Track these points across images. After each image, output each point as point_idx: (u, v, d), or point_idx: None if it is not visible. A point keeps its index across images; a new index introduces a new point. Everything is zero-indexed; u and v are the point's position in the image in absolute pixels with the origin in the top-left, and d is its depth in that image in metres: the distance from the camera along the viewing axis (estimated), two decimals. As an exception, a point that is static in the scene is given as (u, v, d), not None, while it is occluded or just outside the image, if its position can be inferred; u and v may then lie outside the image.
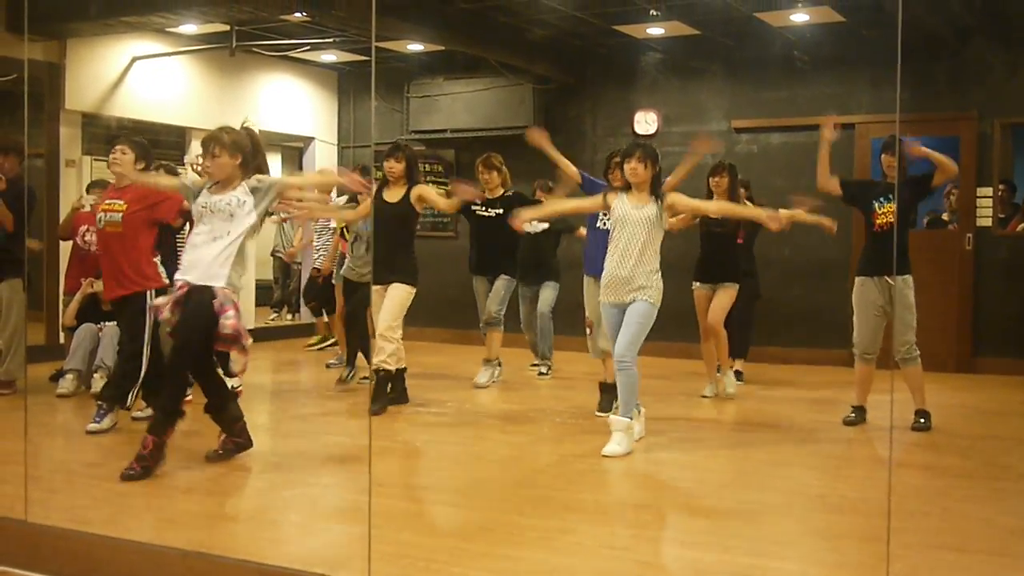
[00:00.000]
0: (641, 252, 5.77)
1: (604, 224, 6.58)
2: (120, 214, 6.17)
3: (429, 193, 7.26)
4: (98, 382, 7.28)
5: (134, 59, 9.89)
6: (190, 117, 10.51)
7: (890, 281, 6.47)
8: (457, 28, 9.45)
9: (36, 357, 8.54)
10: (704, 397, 7.61)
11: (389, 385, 7.03)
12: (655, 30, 9.85)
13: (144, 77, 10.00)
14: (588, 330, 7.10)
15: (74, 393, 7.32)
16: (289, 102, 11.73)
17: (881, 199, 6.67)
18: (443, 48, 10.50)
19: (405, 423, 6.79)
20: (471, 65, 10.83)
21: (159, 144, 10.29)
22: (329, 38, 10.17)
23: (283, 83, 11.64)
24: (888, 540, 3.71)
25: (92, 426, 6.17)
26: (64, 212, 8.74)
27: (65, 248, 8.44)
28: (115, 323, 7.54)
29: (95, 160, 9.68)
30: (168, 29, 9.76)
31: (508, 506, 4.79)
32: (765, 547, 4.20)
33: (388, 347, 6.92)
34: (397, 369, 7.05)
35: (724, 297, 7.54)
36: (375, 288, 7.18)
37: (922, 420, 6.50)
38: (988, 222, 9.32)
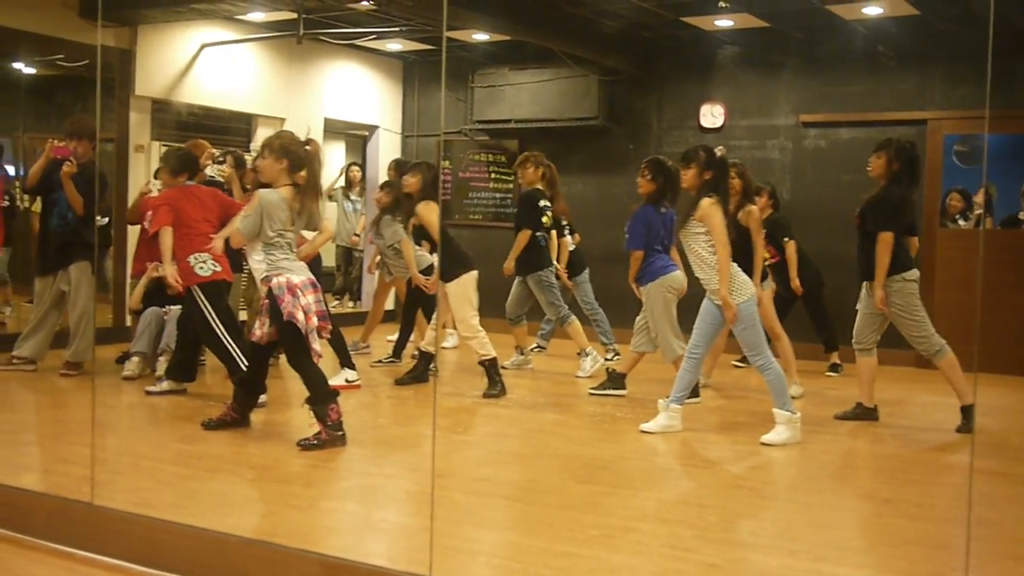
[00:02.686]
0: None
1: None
2: None
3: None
4: (162, 365, 7.37)
5: (203, 46, 9.98)
6: (257, 104, 10.60)
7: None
8: (523, 18, 9.38)
9: (103, 339, 8.69)
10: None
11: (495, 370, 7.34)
12: (724, 22, 9.71)
13: (212, 64, 10.09)
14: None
15: (139, 376, 7.41)
16: (354, 90, 11.77)
17: None
18: (509, 38, 10.45)
19: (468, 415, 6.77)
20: (537, 56, 10.76)
21: (227, 131, 10.39)
22: (395, 26, 10.17)
23: (349, 71, 11.68)
24: (968, 551, 3.60)
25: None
26: (133, 196, 8.85)
27: (133, 232, 8.56)
28: (180, 307, 7.66)
29: (163, 145, 9.78)
30: (237, 16, 9.84)
31: (569, 502, 4.74)
32: (832, 552, 4.11)
33: (473, 343, 7.27)
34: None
35: (765, 299, 7.42)
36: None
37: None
38: (1064, 222, 9.07)
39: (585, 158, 11.08)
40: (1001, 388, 6.61)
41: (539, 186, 8.30)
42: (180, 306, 7.64)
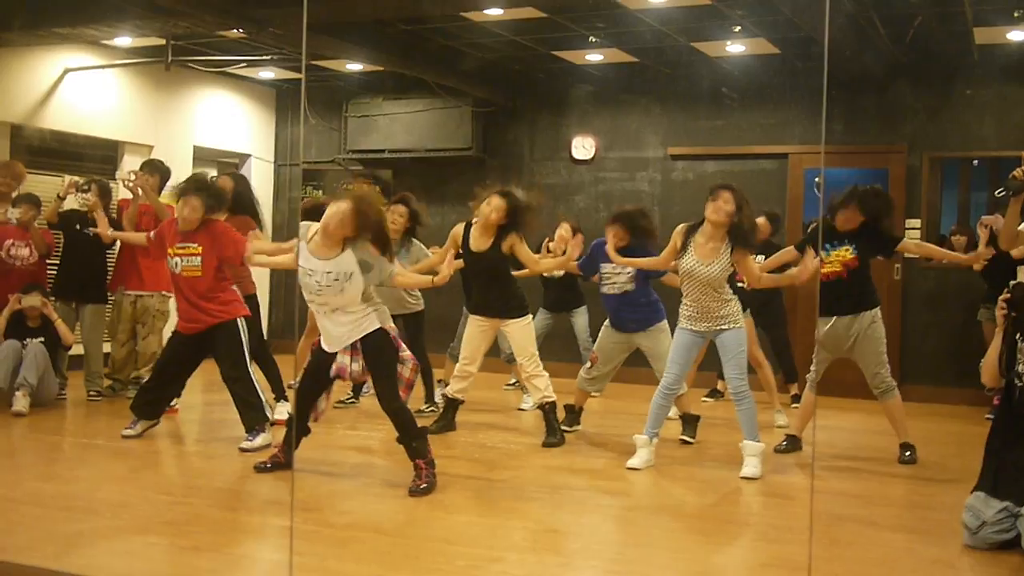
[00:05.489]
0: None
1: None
2: (199, 258, 6.29)
3: (522, 249, 6.76)
4: (20, 400, 7.12)
5: (67, 70, 9.72)
6: (124, 131, 10.35)
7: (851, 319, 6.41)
8: (396, 49, 9.43)
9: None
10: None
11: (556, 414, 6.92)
12: (594, 56, 9.92)
13: (77, 89, 9.83)
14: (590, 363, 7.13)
15: (-6, 411, 7.14)
16: (226, 118, 11.61)
17: (827, 246, 6.45)
18: (382, 68, 10.48)
19: (337, 449, 6.69)
20: (410, 86, 10.81)
21: (89, 158, 10.12)
22: (266, 55, 10.09)
23: (220, 99, 11.51)
24: (810, 568, 3.73)
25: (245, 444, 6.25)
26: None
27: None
28: (39, 340, 7.43)
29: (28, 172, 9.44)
30: (102, 41, 9.61)
31: (438, 533, 4.74)
32: (692, 576, 4.21)
33: (541, 382, 6.81)
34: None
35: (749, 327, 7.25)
36: (473, 318, 6.96)
37: (907, 453, 6.46)
38: (915, 253, 9.49)
39: (459, 188, 11.11)
40: (854, 413, 6.86)
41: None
42: (41, 339, 7.44)
